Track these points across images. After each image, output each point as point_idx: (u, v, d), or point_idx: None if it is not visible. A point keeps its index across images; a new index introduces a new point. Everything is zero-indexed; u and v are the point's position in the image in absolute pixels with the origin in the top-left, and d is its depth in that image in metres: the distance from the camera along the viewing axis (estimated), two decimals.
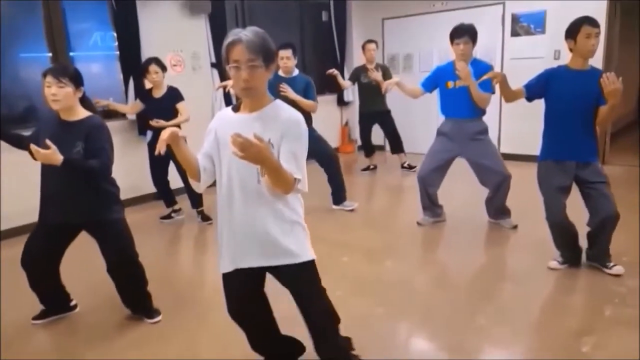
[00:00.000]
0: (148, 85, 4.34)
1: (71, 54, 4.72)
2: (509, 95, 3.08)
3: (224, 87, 3.91)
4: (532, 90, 3.02)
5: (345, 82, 5.86)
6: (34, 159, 2.30)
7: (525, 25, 6.11)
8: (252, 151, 1.48)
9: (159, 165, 4.33)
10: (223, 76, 5.53)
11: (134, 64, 4.80)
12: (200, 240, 4.23)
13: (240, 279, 1.86)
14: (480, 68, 3.57)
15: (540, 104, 3.08)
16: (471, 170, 3.89)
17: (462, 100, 3.65)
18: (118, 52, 4.99)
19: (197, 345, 2.46)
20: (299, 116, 1.73)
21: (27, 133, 2.62)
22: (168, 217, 4.57)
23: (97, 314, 2.81)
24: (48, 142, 2.23)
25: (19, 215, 4.14)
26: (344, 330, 2.17)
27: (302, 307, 1.89)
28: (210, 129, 1.83)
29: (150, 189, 4.84)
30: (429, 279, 3.18)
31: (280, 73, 4.29)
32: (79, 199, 2.46)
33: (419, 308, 2.75)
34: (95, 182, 2.47)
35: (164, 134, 1.69)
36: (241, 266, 1.82)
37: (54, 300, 2.76)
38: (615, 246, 3.01)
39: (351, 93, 7.31)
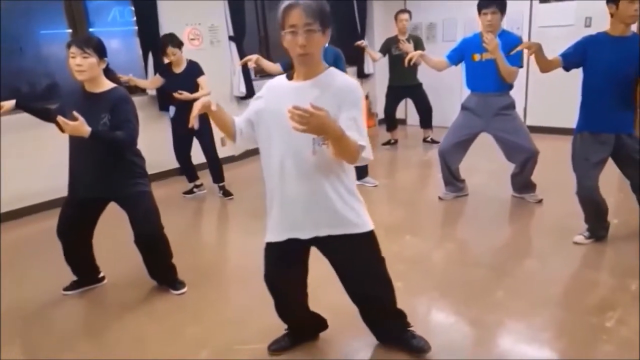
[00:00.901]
0: (168, 59, 4.31)
1: (90, 29, 4.73)
2: (545, 66, 2.92)
3: (246, 63, 3.85)
4: (570, 59, 2.86)
5: (376, 54, 5.69)
6: (62, 131, 2.32)
7: None
8: (313, 122, 1.41)
9: (182, 141, 4.35)
10: (241, 50, 5.48)
11: (152, 39, 4.79)
12: (222, 215, 4.28)
13: (287, 248, 1.84)
14: (509, 40, 3.43)
15: (569, 75, 2.96)
16: (495, 144, 3.80)
17: (488, 73, 3.52)
18: (137, 27, 4.98)
19: (220, 317, 2.51)
20: (355, 82, 1.70)
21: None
22: (190, 192, 4.62)
23: (123, 286, 2.89)
24: (75, 114, 2.24)
25: (48, 191, 4.26)
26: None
27: (357, 277, 1.90)
28: (259, 96, 1.80)
29: (171, 164, 4.90)
30: (449, 254, 3.16)
31: None
32: (108, 172, 2.50)
33: (438, 283, 2.74)
34: (122, 154, 2.49)
35: (196, 108, 1.66)
36: (293, 237, 1.81)
37: (85, 272, 2.84)
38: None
39: (372, 65, 7.16)
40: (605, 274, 2.76)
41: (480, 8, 3.48)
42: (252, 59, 3.76)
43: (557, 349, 2.11)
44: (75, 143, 2.47)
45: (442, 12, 6.75)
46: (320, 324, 2.21)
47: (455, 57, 3.75)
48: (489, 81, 3.56)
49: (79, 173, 2.55)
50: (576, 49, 2.85)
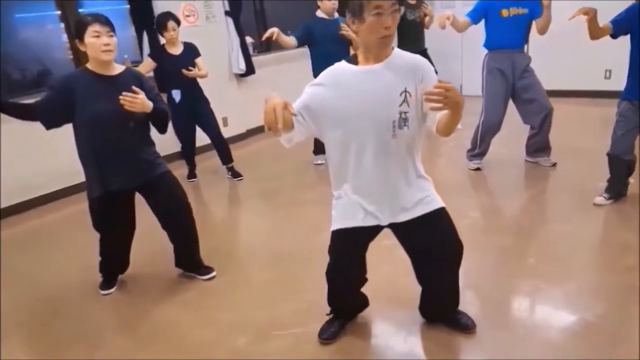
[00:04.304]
0: (167, 35, 4.12)
1: (80, 10, 4.51)
2: (596, 32, 2.85)
3: (271, 35, 3.70)
4: (619, 26, 2.80)
5: None
6: (124, 111, 2.17)
7: None
8: (451, 95, 1.43)
9: (188, 126, 4.23)
10: (238, 25, 5.29)
11: (146, 18, 4.59)
12: (235, 198, 4.19)
13: (362, 235, 1.82)
14: None
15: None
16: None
17: (518, 29, 3.47)
18: (129, 6, 4.76)
19: (251, 301, 2.46)
20: (423, 58, 1.71)
21: (35, 99, 2.35)
22: (193, 176, 4.51)
23: (146, 277, 2.81)
24: (135, 88, 2.19)
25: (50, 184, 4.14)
26: (385, 276, 2.20)
27: (427, 258, 1.88)
28: (319, 83, 1.69)
29: (166, 150, 4.77)
30: (474, 222, 3.13)
31: (321, 14, 4.03)
32: (141, 158, 2.41)
33: (468, 252, 2.62)
34: (147, 135, 2.45)
35: (279, 109, 1.41)
36: (373, 223, 1.78)
37: (121, 267, 2.74)
38: None
39: None
40: (631, 234, 2.75)
41: None
42: (274, 32, 3.64)
43: (596, 313, 2.10)
44: (102, 135, 2.28)
45: None
46: (364, 302, 2.17)
47: (477, 15, 3.63)
48: (517, 37, 3.50)
49: (111, 166, 2.35)
50: (627, 15, 2.78)
